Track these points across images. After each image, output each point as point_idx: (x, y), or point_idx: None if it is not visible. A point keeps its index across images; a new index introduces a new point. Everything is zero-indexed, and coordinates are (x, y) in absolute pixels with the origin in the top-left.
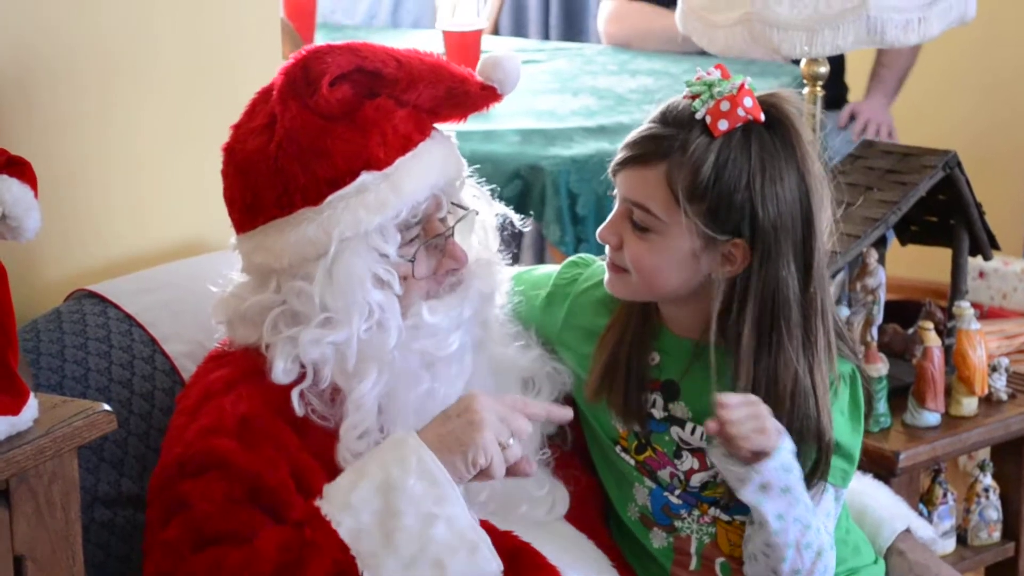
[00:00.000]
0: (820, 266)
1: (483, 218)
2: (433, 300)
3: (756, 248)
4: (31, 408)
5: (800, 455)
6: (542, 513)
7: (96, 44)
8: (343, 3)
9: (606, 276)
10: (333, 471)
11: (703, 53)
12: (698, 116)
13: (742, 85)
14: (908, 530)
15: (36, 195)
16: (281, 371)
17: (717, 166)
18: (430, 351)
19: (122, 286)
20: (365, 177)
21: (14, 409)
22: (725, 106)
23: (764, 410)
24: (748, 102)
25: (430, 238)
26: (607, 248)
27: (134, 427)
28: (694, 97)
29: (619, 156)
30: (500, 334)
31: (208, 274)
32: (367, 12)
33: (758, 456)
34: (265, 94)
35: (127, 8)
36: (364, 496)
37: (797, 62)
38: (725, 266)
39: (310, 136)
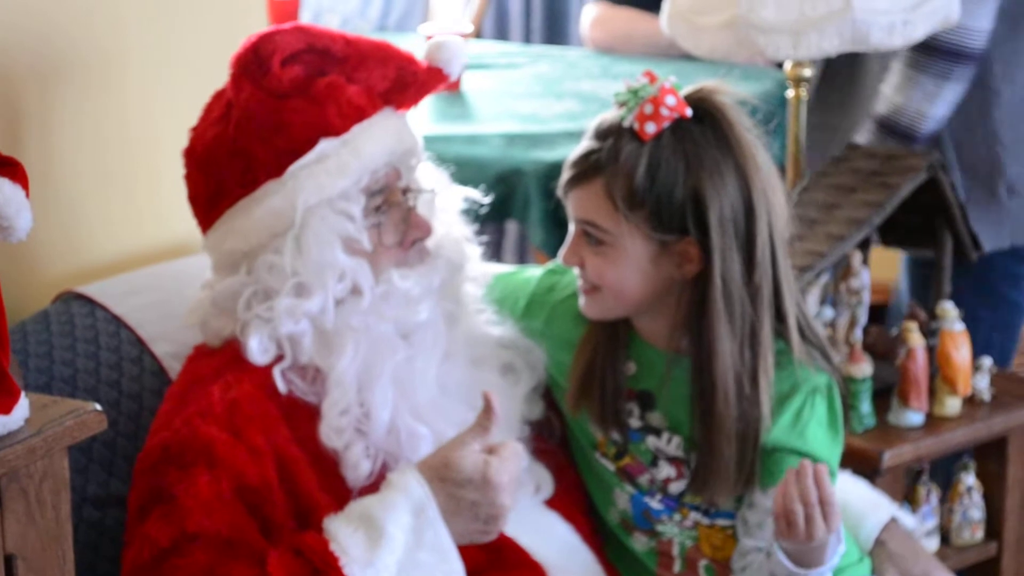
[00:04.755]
0: (764, 254)
1: (444, 200)
2: (404, 268)
3: (704, 243)
4: (22, 408)
5: (740, 460)
6: (529, 493)
7: (87, 46)
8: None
9: (580, 301)
10: (318, 458)
11: (687, 57)
12: (625, 124)
13: (663, 85)
14: (894, 520)
15: (27, 195)
16: (257, 350)
17: (650, 169)
18: (402, 318)
19: (109, 288)
20: (324, 144)
21: (5, 408)
22: (648, 109)
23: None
24: (671, 100)
25: (394, 205)
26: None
27: (123, 428)
28: (622, 106)
29: (563, 178)
30: (474, 311)
31: (196, 276)
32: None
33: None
34: (218, 94)
35: (117, 11)
36: (386, 563)
37: (781, 66)
38: (684, 267)
39: (266, 112)
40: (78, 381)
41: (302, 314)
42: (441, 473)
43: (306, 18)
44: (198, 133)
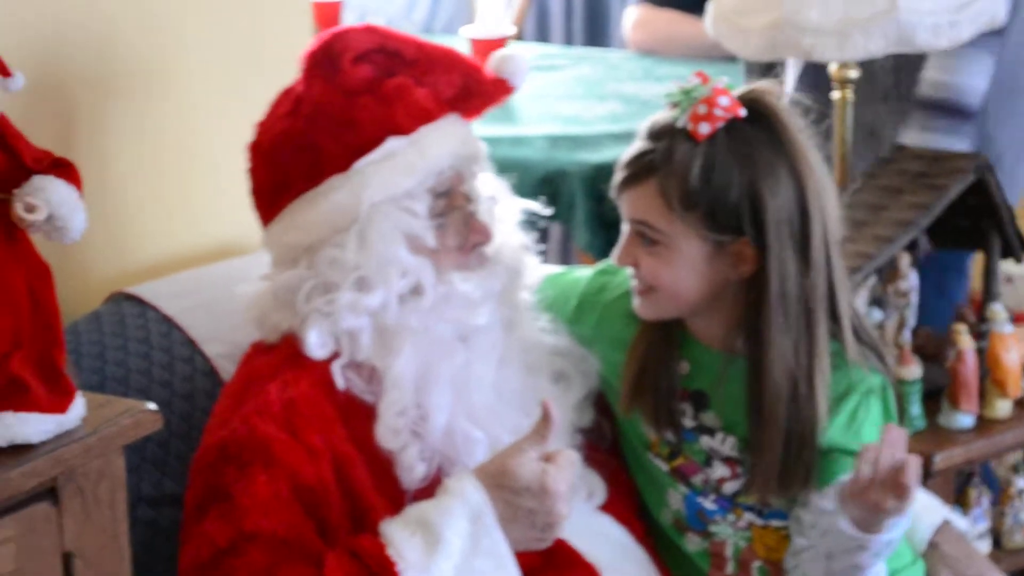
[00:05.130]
0: (818, 255)
1: (504, 209)
2: (465, 271)
3: (760, 244)
4: (78, 407)
5: (795, 460)
6: (581, 499)
7: (136, 46)
8: (385, 5)
9: (635, 302)
10: (373, 458)
11: (729, 59)
12: (679, 125)
13: (716, 86)
14: (947, 522)
15: (81, 196)
16: (315, 344)
17: (705, 169)
18: (462, 321)
19: (160, 288)
20: (392, 142)
21: (61, 407)
22: (702, 109)
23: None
24: (724, 101)
25: (456, 208)
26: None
27: (175, 428)
28: (675, 107)
29: (616, 179)
30: (529, 319)
31: (246, 276)
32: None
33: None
34: (287, 91)
35: (165, 12)
36: (443, 569)
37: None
38: (739, 267)
39: (336, 108)
40: (130, 381)
41: (363, 309)
42: (498, 480)
43: (350, 20)
44: (265, 127)
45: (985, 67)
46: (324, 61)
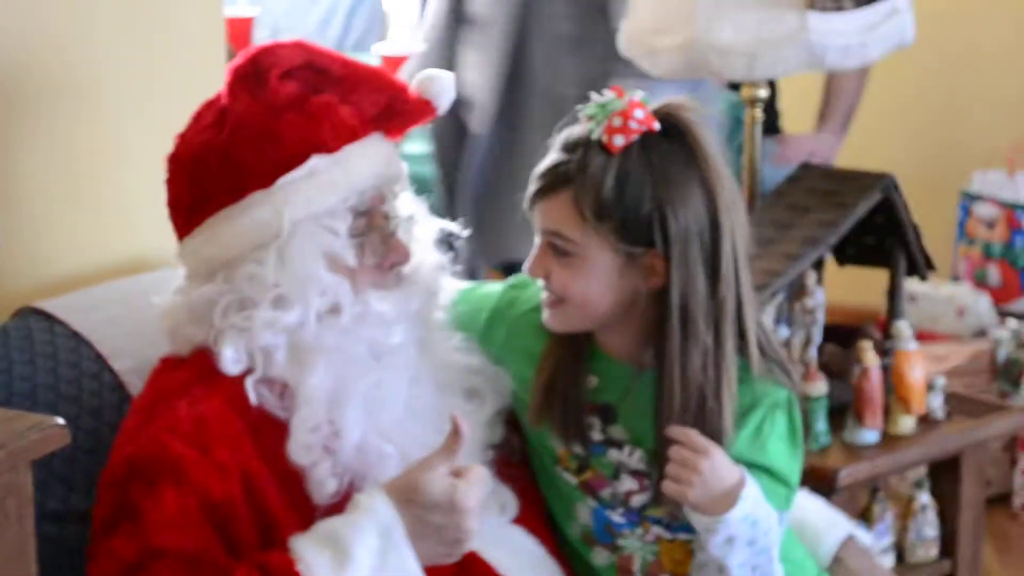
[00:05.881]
0: (728, 269)
1: (421, 228)
2: (382, 290)
3: (670, 257)
4: None
5: None
6: (494, 514)
7: (44, 60)
8: (298, 22)
9: (544, 314)
10: (283, 475)
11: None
12: (594, 137)
13: (631, 99)
14: (851, 537)
15: None
16: (230, 359)
17: (618, 181)
18: (377, 340)
19: (68, 303)
20: (316, 160)
21: None
22: (617, 121)
23: (703, 462)
24: (639, 114)
25: (376, 228)
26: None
27: (82, 443)
28: (591, 119)
29: (530, 190)
30: (442, 338)
31: (156, 291)
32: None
33: (721, 506)
34: (209, 103)
35: (76, 25)
36: None
37: (736, 87)
38: (649, 279)
39: (261, 122)
40: (38, 396)
41: (280, 326)
42: (409, 496)
43: (262, 36)
44: (186, 139)
45: None
46: (251, 75)
